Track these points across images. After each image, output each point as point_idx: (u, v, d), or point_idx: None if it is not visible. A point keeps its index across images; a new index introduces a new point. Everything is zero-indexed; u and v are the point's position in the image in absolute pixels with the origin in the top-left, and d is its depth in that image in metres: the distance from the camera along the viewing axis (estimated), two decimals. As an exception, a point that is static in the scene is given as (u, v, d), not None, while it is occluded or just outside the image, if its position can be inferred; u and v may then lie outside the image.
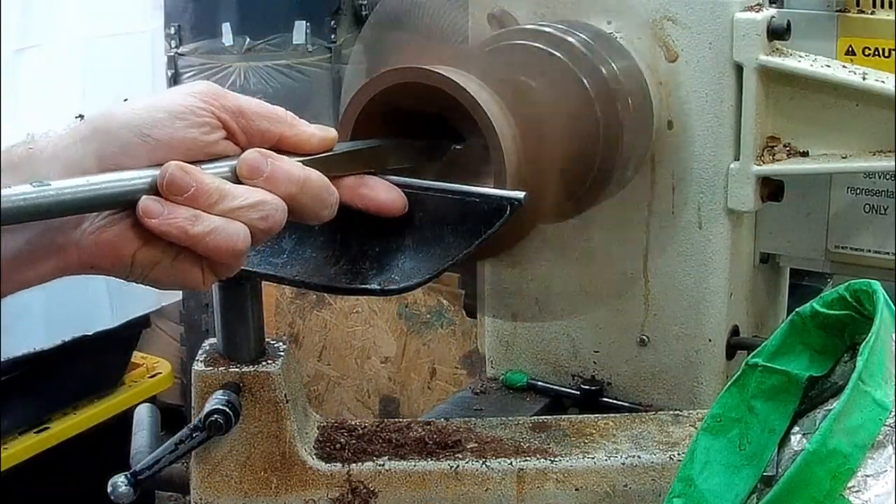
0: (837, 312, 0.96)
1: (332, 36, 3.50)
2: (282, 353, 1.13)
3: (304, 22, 3.47)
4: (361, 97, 1.06)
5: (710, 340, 1.36)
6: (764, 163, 1.29)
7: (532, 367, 1.47)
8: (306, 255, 1.00)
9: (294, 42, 3.48)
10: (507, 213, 0.94)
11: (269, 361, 1.12)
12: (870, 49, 1.32)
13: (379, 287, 0.96)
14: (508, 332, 1.48)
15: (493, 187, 1.01)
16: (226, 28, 3.37)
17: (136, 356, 2.98)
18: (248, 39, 3.43)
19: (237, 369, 1.11)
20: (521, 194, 0.95)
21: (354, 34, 3.56)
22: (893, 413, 0.84)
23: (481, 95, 1.00)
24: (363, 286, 0.97)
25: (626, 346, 1.41)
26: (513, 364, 1.48)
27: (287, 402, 1.11)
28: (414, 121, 1.09)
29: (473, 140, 1.04)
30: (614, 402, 1.42)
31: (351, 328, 2.98)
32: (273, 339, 1.15)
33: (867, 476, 0.82)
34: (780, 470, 0.96)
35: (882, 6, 1.34)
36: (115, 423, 2.73)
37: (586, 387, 1.43)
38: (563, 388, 1.45)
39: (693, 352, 1.37)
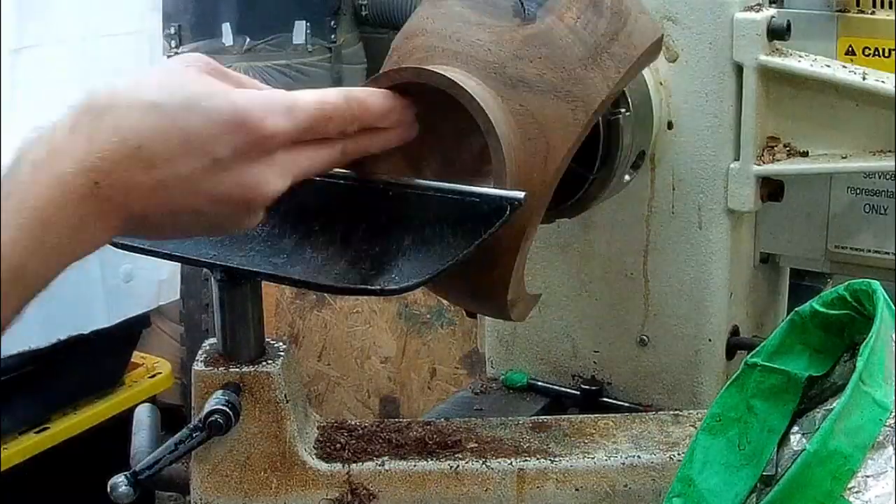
0: (837, 312, 0.96)
1: (332, 36, 3.51)
2: (282, 353, 1.13)
3: (304, 22, 3.48)
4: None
5: (710, 340, 1.36)
6: (764, 163, 1.29)
7: (532, 367, 1.47)
8: (306, 255, 0.99)
9: (294, 42, 3.48)
10: (507, 212, 0.94)
11: (269, 361, 1.12)
12: (870, 49, 1.32)
13: (379, 287, 0.96)
14: (508, 332, 1.48)
15: (493, 187, 1.01)
16: (226, 28, 3.37)
17: (136, 356, 2.97)
18: (248, 39, 3.43)
19: (237, 369, 1.10)
20: (521, 194, 0.94)
21: (354, 34, 3.56)
22: (894, 413, 0.84)
23: (481, 95, 1.00)
24: (363, 286, 0.97)
25: (626, 346, 1.41)
26: (513, 364, 1.48)
27: (287, 402, 1.11)
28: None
29: (473, 139, 1.04)
30: (614, 402, 1.42)
31: (351, 328, 2.98)
32: (273, 339, 1.15)
33: (867, 477, 0.82)
34: (779, 469, 0.96)
35: (882, 6, 1.34)
36: (115, 423, 2.73)
37: (586, 387, 1.43)
38: (563, 388, 1.45)
39: (693, 352, 1.37)
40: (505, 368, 1.49)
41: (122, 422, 2.79)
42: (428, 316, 2.86)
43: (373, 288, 0.96)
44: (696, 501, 0.98)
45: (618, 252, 1.38)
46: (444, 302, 2.72)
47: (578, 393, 1.44)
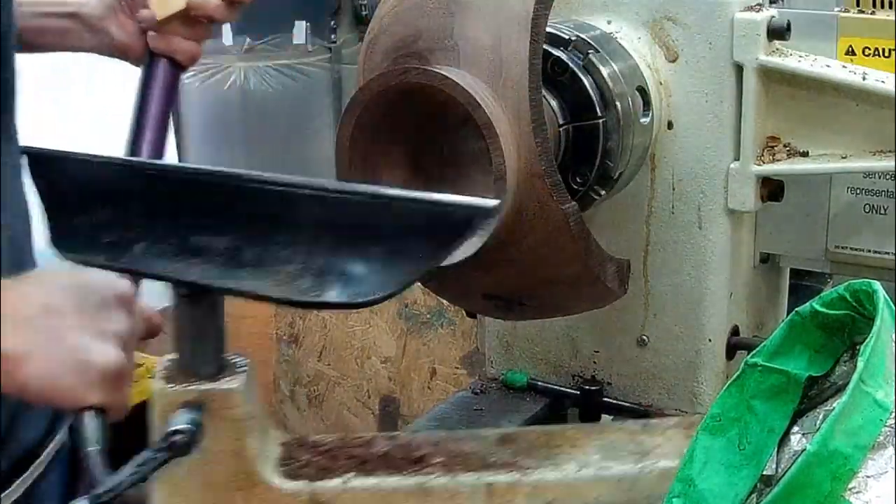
0: (837, 312, 0.96)
1: (332, 36, 3.51)
2: (243, 369, 1.07)
3: (304, 22, 3.48)
4: (362, 97, 1.06)
5: (710, 340, 1.36)
6: (764, 163, 1.29)
7: (532, 367, 1.47)
8: (269, 267, 0.95)
9: (294, 42, 3.48)
10: (479, 222, 0.89)
11: (230, 378, 1.05)
12: (870, 49, 1.32)
13: (345, 301, 0.92)
14: (508, 332, 1.48)
15: (493, 188, 1.01)
16: (226, 28, 3.37)
17: (137, 356, 2.97)
18: (248, 40, 3.43)
19: (198, 386, 1.04)
20: (493, 202, 0.89)
21: (354, 34, 3.56)
22: (894, 414, 0.84)
23: (481, 95, 1.00)
24: (328, 300, 0.92)
25: (626, 346, 1.41)
26: (513, 364, 1.48)
27: (249, 419, 1.06)
28: (415, 121, 1.09)
29: (472, 141, 1.04)
30: (614, 401, 1.43)
31: (351, 328, 2.98)
32: (233, 355, 1.09)
33: (868, 477, 0.82)
34: (779, 469, 0.96)
35: (882, 6, 1.34)
36: (115, 423, 2.72)
37: (586, 387, 1.43)
38: (563, 388, 1.45)
39: (693, 352, 1.37)
40: (505, 368, 1.49)
41: (122, 422, 2.78)
42: (428, 316, 2.86)
43: (338, 301, 0.92)
44: (696, 501, 0.98)
45: (618, 252, 1.37)
46: (444, 302, 2.72)
47: (578, 393, 1.44)
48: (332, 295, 0.92)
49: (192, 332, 1.06)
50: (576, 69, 1.19)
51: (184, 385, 1.05)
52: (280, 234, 0.96)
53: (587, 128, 1.19)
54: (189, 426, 1.02)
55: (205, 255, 0.98)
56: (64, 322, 0.96)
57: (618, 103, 1.21)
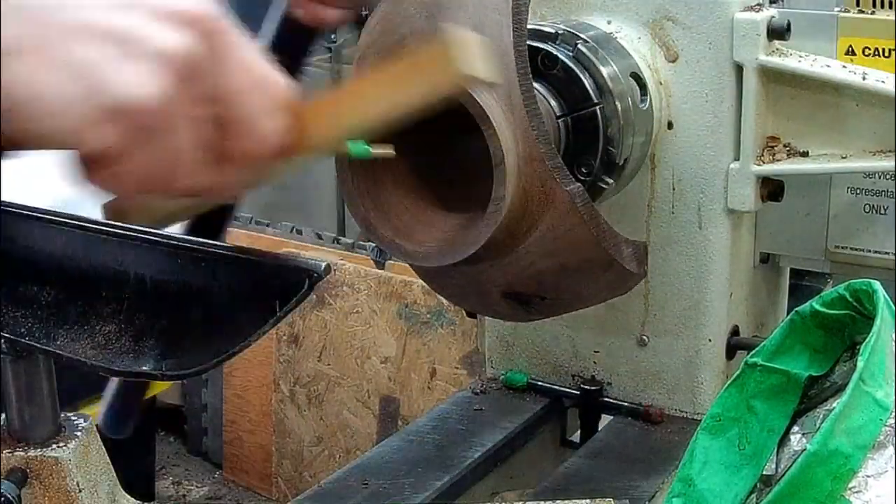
0: (837, 312, 0.96)
1: (332, 36, 3.50)
2: (79, 433, 0.99)
3: (304, 22, 3.47)
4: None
5: (710, 340, 1.36)
6: (764, 163, 1.29)
7: (532, 367, 1.47)
8: (91, 327, 0.90)
9: (294, 42, 3.47)
10: (306, 286, 0.85)
11: (62, 443, 0.97)
12: (870, 49, 1.32)
13: (159, 372, 0.87)
14: (508, 332, 1.48)
15: (493, 187, 1.00)
16: (225, 28, 3.37)
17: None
18: (247, 39, 3.42)
19: (22, 453, 0.96)
20: (321, 264, 0.85)
21: (354, 34, 3.56)
22: (894, 413, 0.84)
23: (481, 95, 1.00)
24: (141, 370, 0.88)
25: (626, 346, 1.41)
26: (513, 364, 1.48)
27: (81, 491, 0.96)
28: (414, 126, 1.08)
29: (473, 140, 1.04)
30: (614, 401, 1.43)
31: (351, 328, 2.98)
32: (75, 416, 1.01)
33: (868, 476, 0.82)
34: (779, 469, 0.96)
35: (882, 6, 1.34)
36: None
37: (586, 387, 1.44)
38: (563, 388, 1.46)
39: (693, 352, 1.37)
40: (505, 368, 1.49)
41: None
42: (428, 316, 2.86)
43: (153, 372, 0.88)
44: (696, 501, 0.98)
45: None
46: (445, 302, 2.72)
47: (578, 393, 1.44)
48: (146, 364, 0.87)
49: (19, 391, 0.98)
50: (566, 59, 1.19)
51: (8, 451, 0.96)
52: (104, 289, 0.91)
53: (585, 116, 1.19)
54: (7, 496, 0.92)
55: (31, 307, 0.92)
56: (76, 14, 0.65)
57: (612, 88, 1.21)
